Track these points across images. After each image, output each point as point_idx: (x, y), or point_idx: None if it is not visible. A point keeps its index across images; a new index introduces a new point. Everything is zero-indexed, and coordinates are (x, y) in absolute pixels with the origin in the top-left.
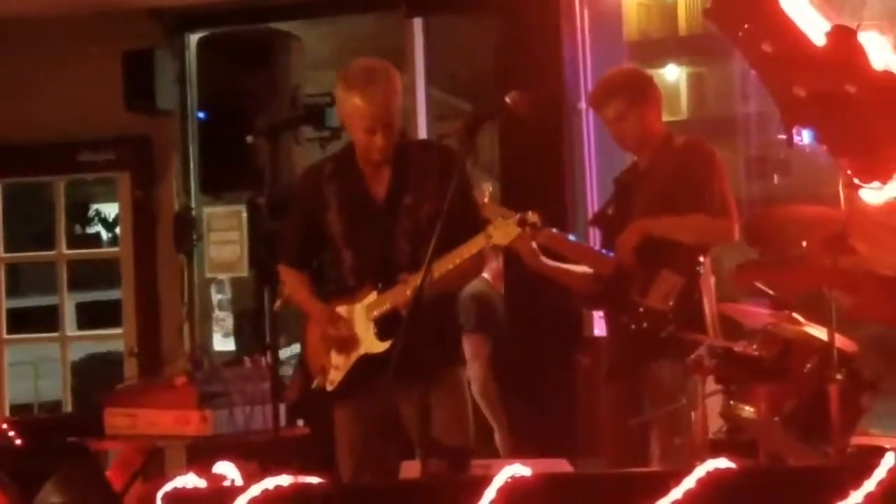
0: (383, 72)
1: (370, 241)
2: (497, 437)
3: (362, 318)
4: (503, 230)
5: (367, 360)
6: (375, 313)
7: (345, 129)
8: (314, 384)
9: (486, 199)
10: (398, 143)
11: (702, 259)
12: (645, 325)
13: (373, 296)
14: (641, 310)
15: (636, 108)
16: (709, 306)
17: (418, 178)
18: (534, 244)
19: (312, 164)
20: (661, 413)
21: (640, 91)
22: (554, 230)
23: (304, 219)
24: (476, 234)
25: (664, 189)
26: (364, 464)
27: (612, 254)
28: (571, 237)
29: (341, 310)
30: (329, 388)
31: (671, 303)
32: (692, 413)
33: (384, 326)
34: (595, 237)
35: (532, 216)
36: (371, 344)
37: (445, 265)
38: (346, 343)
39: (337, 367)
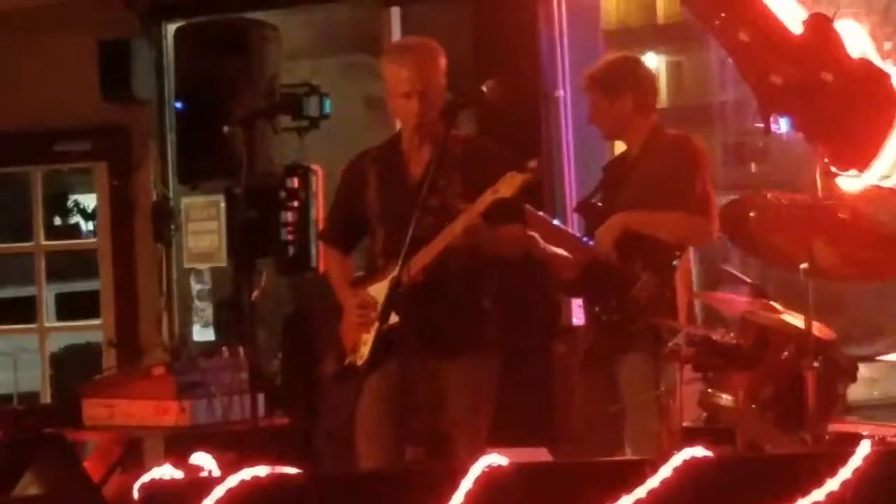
0: (422, 45)
1: (401, 219)
2: None
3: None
4: (507, 182)
5: (386, 335)
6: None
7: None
8: (346, 361)
9: None
10: (437, 129)
11: (678, 254)
12: (616, 317)
13: (395, 271)
14: (614, 302)
15: (606, 101)
16: (683, 300)
17: (452, 163)
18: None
19: (362, 151)
20: (633, 403)
21: (613, 82)
22: (540, 213)
23: (347, 200)
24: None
25: (649, 183)
26: (374, 443)
27: (592, 242)
28: (556, 222)
29: (371, 290)
30: (359, 362)
31: (644, 298)
32: (670, 401)
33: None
34: (574, 223)
35: (531, 162)
36: (391, 318)
37: (456, 227)
38: (369, 322)
39: (365, 343)
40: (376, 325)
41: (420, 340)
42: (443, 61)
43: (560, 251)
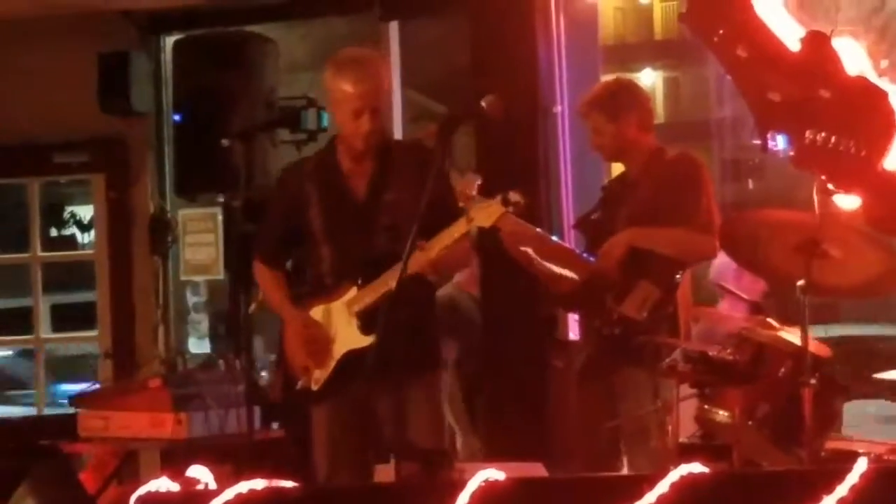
0: (371, 59)
1: (350, 237)
2: (459, 441)
3: (342, 315)
4: (485, 212)
5: (352, 357)
6: (357, 308)
7: (331, 119)
8: (299, 385)
9: (473, 192)
10: (380, 141)
11: (680, 272)
12: (617, 331)
13: (353, 292)
14: (615, 316)
15: (613, 122)
16: (683, 317)
17: (399, 175)
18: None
19: (293, 162)
20: (631, 418)
21: (615, 105)
22: (538, 230)
23: (283, 216)
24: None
25: (651, 201)
26: (339, 465)
27: (592, 258)
28: (554, 238)
29: (317, 311)
30: (314, 387)
31: (645, 313)
32: (667, 417)
33: (367, 320)
34: (572, 240)
35: (514, 195)
36: (355, 339)
37: (427, 254)
38: (321, 344)
39: (321, 367)
40: (332, 348)
41: (377, 363)
42: (389, 72)
43: (556, 268)
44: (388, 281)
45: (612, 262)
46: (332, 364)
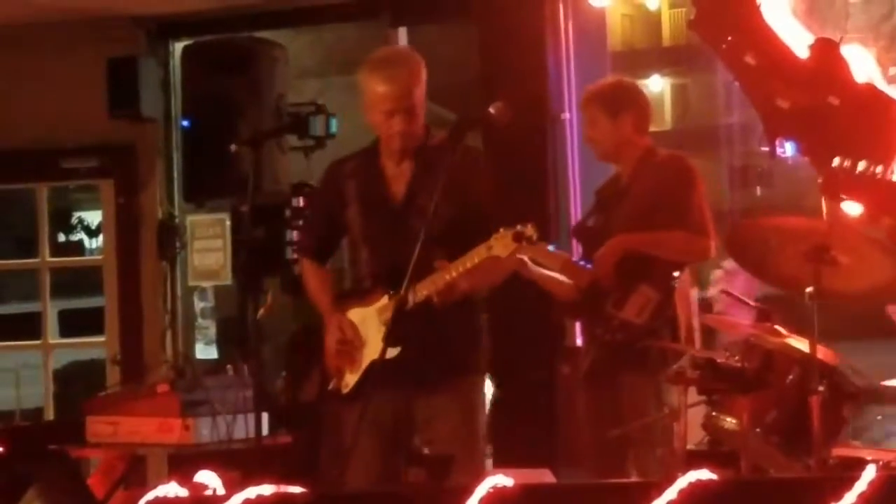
0: (405, 59)
1: (385, 241)
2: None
3: (374, 322)
4: (503, 242)
5: (379, 364)
6: (386, 317)
7: (367, 122)
8: (330, 386)
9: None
10: (419, 143)
11: (677, 274)
12: (619, 337)
13: (384, 300)
14: (616, 322)
15: (611, 119)
16: (683, 320)
17: (437, 178)
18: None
19: (336, 160)
20: (636, 425)
21: (615, 102)
22: (549, 246)
23: (325, 213)
24: (479, 242)
25: (644, 204)
26: (363, 468)
27: (590, 266)
28: (551, 247)
29: (354, 313)
30: (344, 390)
31: (646, 317)
32: (674, 424)
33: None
34: (575, 248)
35: (529, 230)
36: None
37: (444, 276)
38: (353, 348)
39: (352, 371)
40: (363, 353)
41: (410, 367)
42: (424, 72)
43: (551, 273)
44: (420, 291)
45: (608, 269)
46: (361, 369)
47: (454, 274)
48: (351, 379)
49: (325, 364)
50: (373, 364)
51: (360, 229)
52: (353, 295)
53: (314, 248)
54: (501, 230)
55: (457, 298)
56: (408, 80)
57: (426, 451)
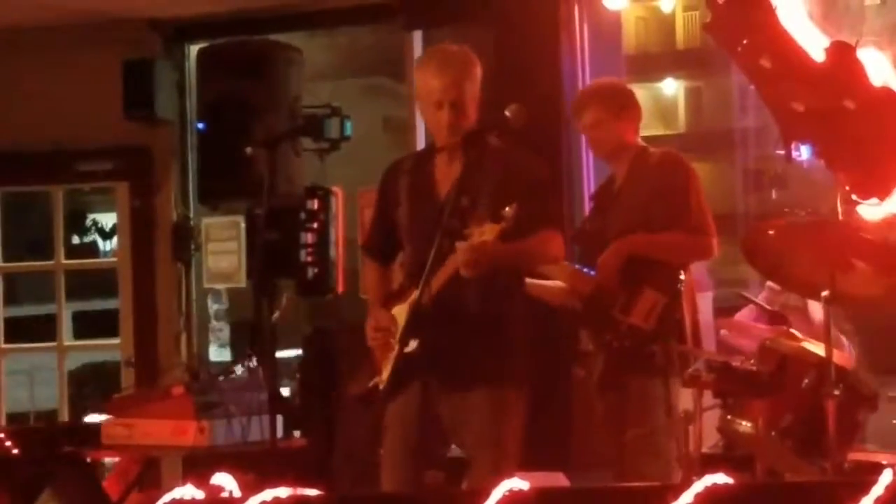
0: (458, 54)
1: (424, 239)
2: None
3: (405, 317)
4: (487, 233)
5: (406, 359)
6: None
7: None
8: (371, 382)
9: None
10: (468, 141)
11: (682, 276)
12: (628, 343)
13: (414, 295)
14: (624, 328)
15: (611, 117)
16: (690, 322)
17: (484, 179)
18: None
19: (397, 159)
20: (650, 429)
21: (616, 102)
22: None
23: (382, 211)
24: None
25: (641, 206)
26: (390, 465)
27: (592, 272)
28: None
29: (399, 309)
30: (381, 385)
31: (654, 321)
32: (688, 427)
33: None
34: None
35: (507, 211)
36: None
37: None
38: (388, 344)
39: (386, 367)
40: (395, 349)
41: (438, 367)
42: (478, 71)
43: (549, 283)
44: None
45: (611, 274)
46: (389, 366)
47: (445, 276)
48: (386, 374)
49: (373, 360)
50: (399, 356)
51: (406, 227)
52: (398, 293)
53: (373, 246)
54: (485, 225)
55: (484, 270)
56: (458, 74)
57: (458, 452)
